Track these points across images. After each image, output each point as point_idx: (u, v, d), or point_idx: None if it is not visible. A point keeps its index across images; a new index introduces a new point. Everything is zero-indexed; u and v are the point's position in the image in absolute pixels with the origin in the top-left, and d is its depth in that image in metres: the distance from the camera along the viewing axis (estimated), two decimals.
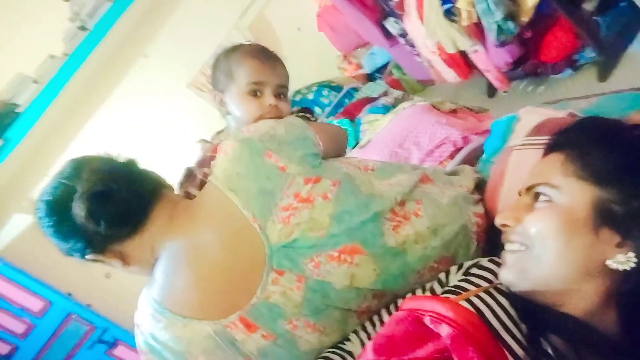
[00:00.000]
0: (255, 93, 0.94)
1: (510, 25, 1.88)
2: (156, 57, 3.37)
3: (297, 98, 3.55)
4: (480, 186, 1.07)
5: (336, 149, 0.93)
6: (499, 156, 1.02)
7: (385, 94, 2.71)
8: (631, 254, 0.55)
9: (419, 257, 0.79)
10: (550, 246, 0.57)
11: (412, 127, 1.63)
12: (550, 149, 0.66)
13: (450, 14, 2.07)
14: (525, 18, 1.88)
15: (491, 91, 2.51)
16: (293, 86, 3.30)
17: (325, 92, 3.52)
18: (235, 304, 0.72)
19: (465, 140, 1.52)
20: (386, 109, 2.26)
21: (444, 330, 0.56)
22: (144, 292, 0.78)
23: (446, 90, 2.91)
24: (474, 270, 0.71)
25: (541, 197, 0.60)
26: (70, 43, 2.93)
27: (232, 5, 3.51)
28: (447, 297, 0.63)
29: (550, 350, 0.57)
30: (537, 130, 0.92)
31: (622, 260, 0.55)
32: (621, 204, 0.56)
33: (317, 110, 3.46)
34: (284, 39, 3.64)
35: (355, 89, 3.37)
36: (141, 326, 0.77)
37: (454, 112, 1.72)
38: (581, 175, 0.59)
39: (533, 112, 1.01)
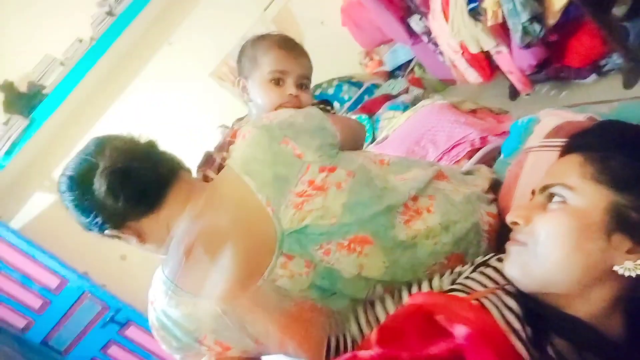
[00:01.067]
0: (277, 82, 0.96)
1: (536, 27, 1.85)
2: (180, 45, 3.41)
3: (317, 92, 3.56)
4: (495, 187, 1.07)
5: (353, 142, 0.94)
6: (515, 157, 1.02)
7: (405, 91, 2.70)
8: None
9: (429, 252, 0.80)
10: (559, 248, 0.57)
11: (430, 125, 1.63)
12: (567, 150, 0.65)
13: (475, 13, 2.05)
14: (552, 20, 1.85)
15: (513, 93, 2.48)
16: (314, 80, 3.32)
17: (345, 87, 3.52)
18: (244, 285, 0.74)
19: (484, 140, 1.52)
20: (405, 107, 2.25)
21: (460, 330, 0.56)
22: (158, 270, 0.80)
23: (468, 91, 2.88)
24: (482, 269, 0.71)
25: (555, 198, 0.60)
26: (98, 28, 2.99)
27: None
28: (462, 297, 0.63)
29: (552, 353, 0.57)
30: (556, 132, 0.91)
31: (630, 267, 0.54)
32: (637, 211, 0.55)
33: (336, 105, 3.46)
34: (307, 33, 3.64)
35: (376, 86, 3.37)
36: (154, 303, 0.79)
37: (473, 112, 1.71)
38: (598, 179, 0.58)
39: (552, 114, 1.00)
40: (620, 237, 0.55)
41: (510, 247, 0.63)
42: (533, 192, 0.66)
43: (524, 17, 1.82)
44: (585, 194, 0.58)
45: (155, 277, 0.81)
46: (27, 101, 2.90)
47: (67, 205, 0.80)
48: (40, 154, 3.07)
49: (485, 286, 0.67)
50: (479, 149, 1.50)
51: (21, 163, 2.95)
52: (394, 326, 0.62)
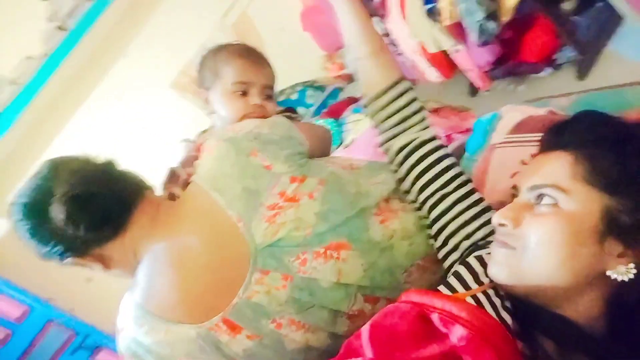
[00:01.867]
0: (241, 92, 0.94)
1: (491, 25, 1.89)
2: (137, 57, 3.31)
3: (281, 98, 3.53)
4: None
5: (321, 149, 0.93)
6: (481, 154, 1.03)
7: None
8: (631, 265, 0.54)
9: (405, 253, 0.79)
10: (552, 255, 0.55)
11: None
12: (552, 145, 0.62)
13: (432, 13, 2.08)
14: (505, 17, 1.89)
15: (473, 90, 2.53)
16: (277, 87, 3.29)
17: (309, 92, 3.51)
18: (217, 305, 0.71)
19: (448, 138, 1.53)
20: None
21: (457, 331, 0.54)
22: (127, 296, 0.76)
23: (430, 90, 2.92)
24: (458, 268, 0.70)
25: (545, 199, 0.57)
26: (49, 43, 2.87)
27: (215, 4, 3.48)
28: (456, 296, 0.61)
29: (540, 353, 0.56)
30: (519, 128, 0.93)
31: (622, 271, 0.54)
32: (630, 214, 0.54)
33: (301, 110, 3.45)
34: (268, 39, 3.62)
35: (340, 89, 3.37)
36: (123, 331, 0.75)
37: (436, 111, 1.73)
38: (590, 181, 0.56)
39: (514, 110, 1.02)
40: (612, 242, 0.54)
41: (496, 249, 0.61)
42: (514, 188, 0.64)
43: (479, 15, 1.86)
44: (577, 197, 0.56)
45: (124, 303, 0.77)
46: None
47: (22, 234, 0.75)
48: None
49: (465, 284, 0.65)
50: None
51: None
52: (386, 324, 0.60)
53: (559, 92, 2.01)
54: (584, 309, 0.57)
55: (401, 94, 0.81)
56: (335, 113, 2.54)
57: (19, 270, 2.74)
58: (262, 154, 0.78)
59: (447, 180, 0.80)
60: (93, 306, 2.90)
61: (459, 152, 1.37)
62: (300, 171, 0.78)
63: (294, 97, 3.53)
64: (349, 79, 3.69)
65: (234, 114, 0.94)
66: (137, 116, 3.33)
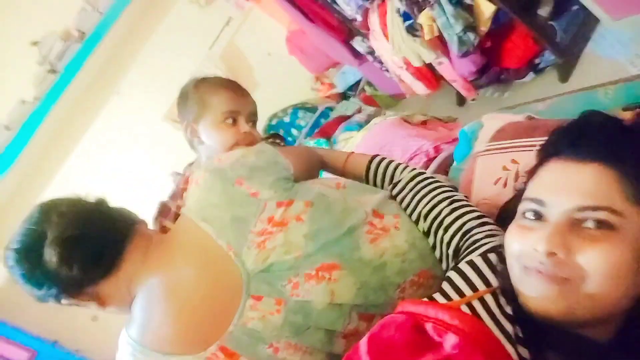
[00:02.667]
0: (231, 122, 0.97)
1: (471, 36, 1.94)
2: (129, 94, 3.36)
3: (274, 122, 3.58)
4: None
5: (308, 171, 0.94)
6: (466, 163, 1.05)
7: (359, 111, 2.75)
8: None
9: (398, 270, 0.79)
10: (618, 284, 0.51)
11: (385, 142, 1.66)
12: (580, 155, 0.56)
13: (412, 29, 2.13)
14: (484, 28, 1.94)
15: (460, 100, 2.56)
16: (268, 110, 3.31)
17: (301, 113, 3.55)
18: (213, 334, 0.72)
19: (437, 149, 1.55)
20: (360, 126, 2.28)
21: (450, 340, 0.54)
22: (123, 332, 0.77)
23: (418, 103, 2.97)
24: (451, 274, 0.70)
25: (593, 222, 0.51)
26: (40, 87, 2.92)
27: (201, 36, 3.55)
28: (452, 303, 0.61)
29: None
30: (498, 135, 0.94)
31: None
32: None
33: (294, 132, 3.48)
34: (256, 65, 3.69)
35: (330, 109, 3.40)
36: None
37: (424, 123, 1.75)
38: (639, 200, 0.52)
39: (494, 118, 1.04)
40: None
41: (544, 284, 0.53)
42: (536, 201, 0.57)
43: (458, 28, 1.90)
44: (631, 219, 0.51)
45: (121, 339, 0.78)
46: None
47: (17, 280, 0.76)
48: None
49: (459, 291, 0.64)
50: (434, 158, 1.54)
51: None
52: (383, 336, 0.59)
53: (544, 96, 2.04)
54: (610, 328, 0.55)
55: (379, 163, 0.98)
56: (327, 132, 2.56)
57: (24, 314, 2.74)
58: (248, 182, 0.79)
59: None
60: (99, 345, 2.88)
61: (448, 162, 1.39)
62: (286, 195, 0.79)
63: (287, 119, 3.57)
64: (339, 97, 3.75)
65: (225, 143, 0.96)
66: (133, 150, 3.37)
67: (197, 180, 0.82)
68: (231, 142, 0.96)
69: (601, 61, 1.87)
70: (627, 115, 0.65)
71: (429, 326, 0.58)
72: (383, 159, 0.98)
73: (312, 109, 3.56)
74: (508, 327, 0.59)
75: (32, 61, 2.96)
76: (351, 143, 2.11)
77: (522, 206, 0.60)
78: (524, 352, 0.57)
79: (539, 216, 0.57)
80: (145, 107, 3.42)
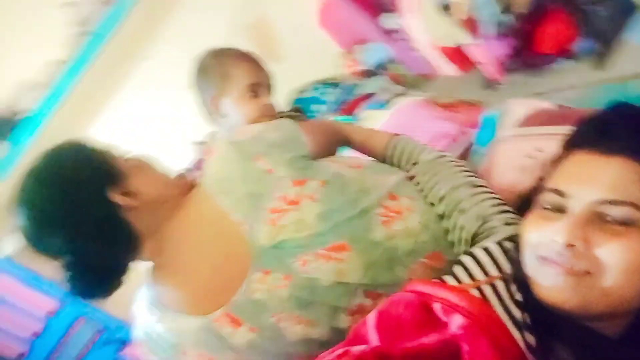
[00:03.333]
0: (254, 94, 0.98)
1: (506, 17, 1.88)
2: (159, 59, 3.39)
3: (298, 96, 3.57)
4: None
5: (328, 147, 0.96)
6: (489, 148, 1.04)
7: (384, 89, 2.72)
8: None
9: (408, 252, 0.80)
10: (632, 281, 0.51)
11: (409, 123, 1.65)
12: (608, 149, 0.55)
13: (445, 7, 2.08)
14: (520, 10, 1.88)
15: (489, 83, 2.51)
16: (294, 84, 3.31)
17: (325, 89, 3.52)
18: (219, 300, 0.75)
19: (462, 133, 1.54)
20: (384, 105, 2.27)
21: (456, 320, 0.56)
22: (142, 288, 0.81)
23: (446, 84, 2.91)
24: (464, 258, 0.71)
25: (617, 216, 0.52)
26: (72, 48, 2.96)
27: (231, 5, 3.52)
28: (460, 287, 0.63)
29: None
30: (528, 121, 0.93)
31: None
32: None
33: (317, 107, 3.47)
34: (285, 36, 3.65)
35: (356, 85, 3.37)
36: (138, 318, 0.80)
37: (450, 105, 1.73)
38: None
39: (521, 104, 1.02)
40: None
41: (559, 276, 0.54)
42: (557, 192, 0.57)
43: (494, 8, 1.85)
44: None
45: (139, 293, 0.82)
46: (8, 125, 2.88)
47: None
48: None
49: (487, 273, 0.65)
50: (458, 141, 1.53)
51: (10, 188, 2.92)
52: (392, 312, 0.62)
53: (575, 83, 1.99)
54: (620, 324, 0.56)
55: (399, 141, 0.98)
56: (350, 110, 2.56)
57: (50, 265, 2.85)
58: (265, 158, 0.80)
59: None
60: (122, 302, 2.99)
61: (471, 146, 1.38)
62: (302, 174, 0.80)
63: (311, 94, 3.56)
64: (366, 75, 3.71)
65: (249, 116, 0.98)
66: (163, 116, 3.41)
67: (216, 151, 0.84)
68: (254, 114, 0.98)
69: (637, 49, 1.80)
70: None
71: (436, 306, 0.60)
72: (405, 138, 0.98)
73: (337, 85, 3.53)
74: (517, 313, 0.60)
75: (64, 22, 3.00)
76: (375, 122, 2.10)
77: (543, 197, 0.60)
78: (531, 339, 0.58)
79: (559, 208, 0.57)
80: (175, 73, 3.44)
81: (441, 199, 0.85)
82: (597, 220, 0.53)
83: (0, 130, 2.81)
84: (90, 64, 3.00)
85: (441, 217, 0.84)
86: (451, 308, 0.58)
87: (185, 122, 3.45)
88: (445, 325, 0.58)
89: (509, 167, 0.89)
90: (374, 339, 0.61)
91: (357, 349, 0.59)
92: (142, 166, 0.82)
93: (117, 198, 0.74)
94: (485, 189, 0.85)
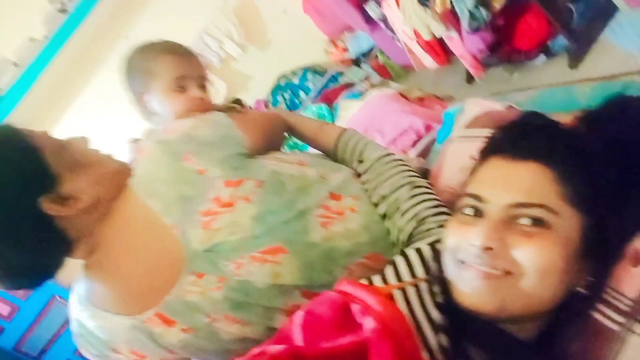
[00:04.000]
0: (180, 88, 0.93)
1: (483, 12, 1.87)
2: (139, 39, 3.32)
3: (282, 83, 3.54)
4: (425, 175, 1.08)
5: (268, 142, 0.91)
6: (442, 146, 1.03)
7: (366, 79, 2.70)
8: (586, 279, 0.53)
9: (346, 253, 0.79)
10: (552, 281, 0.52)
11: (378, 116, 1.64)
12: (520, 154, 0.56)
13: (425, 0, 2.05)
14: (497, 5, 1.86)
15: (470, 77, 2.50)
16: (278, 70, 3.26)
17: (310, 76, 3.50)
18: (150, 302, 0.73)
19: (428, 128, 1.53)
20: (361, 95, 2.25)
21: (369, 323, 0.56)
22: (75, 283, 0.79)
23: (428, 76, 2.90)
24: (396, 258, 0.71)
25: (527, 219, 0.52)
26: (50, 26, 2.91)
27: None
28: (381, 289, 0.63)
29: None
30: (473, 123, 0.92)
31: (582, 285, 0.53)
32: (596, 228, 0.53)
33: (302, 94, 3.45)
34: (270, 22, 3.61)
35: (340, 74, 3.35)
36: (72, 312, 0.79)
37: (421, 99, 1.72)
38: (574, 201, 0.53)
39: (476, 103, 1.01)
40: (584, 260, 0.53)
41: (477, 280, 0.53)
42: (475, 197, 0.57)
43: (470, 2, 1.83)
44: (567, 218, 0.52)
45: (73, 286, 0.80)
46: None
47: None
48: None
49: (414, 275, 0.66)
50: (423, 137, 1.52)
51: None
52: (316, 311, 0.62)
53: (551, 80, 1.98)
54: (534, 326, 0.56)
55: (349, 137, 0.94)
56: (329, 98, 2.54)
57: None
58: (196, 158, 0.75)
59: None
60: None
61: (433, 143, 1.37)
62: (236, 174, 0.76)
63: (295, 81, 3.53)
64: (351, 63, 3.68)
65: (177, 111, 0.92)
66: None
67: (144, 151, 0.79)
68: (183, 109, 0.92)
69: (615, 50, 1.79)
70: (566, 119, 0.63)
71: (355, 307, 0.60)
72: (354, 134, 0.95)
73: (321, 73, 3.50)
74: (435, 315, 0.60)
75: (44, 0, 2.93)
76: (349, 112, 2.09)
77: (462, 201, 0.60)
78: (444, 341, 0.58)
79: (477, 212, 0.57)
80: None
81: (383, 199, 0.83)
82: (512, 223, 0.53)
83: None
84: (67, 44, 2.94)
85: (383, 217, 0.83)
86: (366, 310, 0.58)
87: None
88: (360, 327, 0.58)
89: (455, 168, 0.88)
90: (298, 338, 0.61)
91: (273, 348, 0.59)
92: (78, 162, 0.75)
93: (49, 208, 0.67)
94: (425, 190, 0.82)
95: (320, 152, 1.00)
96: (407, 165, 0.88)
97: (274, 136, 0.95)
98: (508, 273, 0.52)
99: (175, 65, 0.92)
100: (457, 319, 0.57)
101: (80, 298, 0.76)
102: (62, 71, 3.05)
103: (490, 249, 0.52)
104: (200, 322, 0.74)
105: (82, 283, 0.76)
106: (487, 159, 0.60)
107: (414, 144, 1.53)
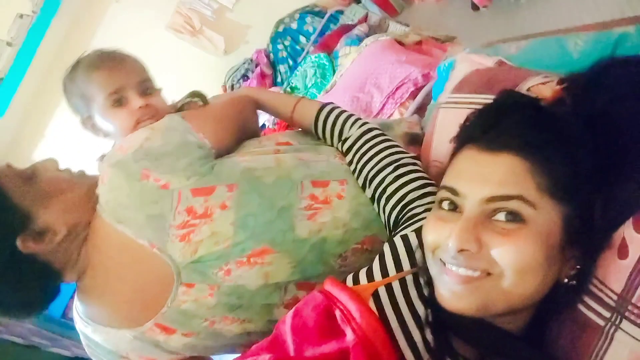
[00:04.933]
0: (119, 102, 0.84)
1: None
2: (128, 1, 3.21)
3: (281, 29, 3.39)
4: (415, 140, 1.03)
5: (236, 133, 0.86)
6: (432, 113, 0.98)
7: (365, 19, 2.56)
8: (573, 269, 0.51)
9: (338, 242, 0.77)
10: (532, 279, 0.50)
11: (373, 68, 1.56)
12: (494, 145, 0.54)
13: None
14: None
15: (475, 6, 2.33)
16: (275, 16, 3.11)
17: (308, 19, 3.33)
18: (147, 315, 0.74)
19: (426, 77, 1.45)
20: (360, 40, 2.14)
21: (349, 334, 0.56)
22: (75, 298, 0.80)
23: (429, 9, 2.73)
24: (384, 249, 0.70)
25: (506, 214, 0.50)
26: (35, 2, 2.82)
27: None
28: (359, 294, 0.62)
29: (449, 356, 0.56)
30: (460, 86, 0.86)
31: (570, 275, 0.52)
32: (580, 218, 0.50)
33: (302, 39, 3.31)
34: None
35: (340, 12, 3.18)
36: (77, 325, 0.81)
37: (419, 44, 1.62)
38: (553, 192, 0.50)
39: (465, 59, 0.94)
40: (569, 250, 0.51)
41: (456, 285, 0.52)
42: (451, 190, 0.55)
43: None
44: (544, 211, 0.50)
45: (74, 302, 0.81)
46: None
47: None
48: (13, 141, 3.05)
49: (400, 267, 0.65)
50: (422, 87, 1.45)
51: None
52: (303, 314, 0.62)
53: (562, 8, 1.83)
54: (522, 319, 0.56)
55: (328, 114, 0.90)
56: (328, 45, 2.42)
57: None
58: (155, 173, 0.71)
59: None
60: None
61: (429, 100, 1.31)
62: (204, 181, 0.72)
63: (294, 25, 3.37)
64: (350, 1, 3.47)
65: (125, 127, 0.83)
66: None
67: (102, 178, 0.74)
68: (130, 123, 0.84)
69: None
70: (548, 93, 0.57)
71: (337, 313, 0.59)
72: (332, 109, 0.89)
73: (320, 13, 3.32)
74: (421, 309, 0.60)
75: None
76: (349, 59, 2.00)
77: (439, 194, 0.58)
78: (431, 337, 0.58)
79: (454, 206, 0.55)
80: (147, 16, 3.28)
81: (369, 182, 0.80)
82: (488, 219, 0.51)
83: None
84: (57, 14, 2.86)
85: (371, 200, 0.80)
86: (347, 318, 0.58)
87: (165, 64, 3.37)
88: (343, 334, 0.59)
89: (443, 139, 0.83)
90: (289, 341, 0.62)
91: (261, 359, 0.61)
92: (47, 193, 0.72)
93: (27, 247, 0.67)
94: (410, 168, 0.79)
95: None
96: (391, 141, 0.84)
97: (241, 126, 0.89)
98: (488, 274, 0.51)
99: (105, 81, 0.83)
100: (443, 312, 0.56)
101: (80, 314, 0.78)
102: (57, 44, 2.98)
103: (466, 250, 0.51)
104: (199, 326, 0.76)
105: (78, 302, 0.78)
106: (462, 148, 0.57)
107: (413, 94, 1.46)
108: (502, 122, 0.54)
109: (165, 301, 0.73)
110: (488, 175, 0.52)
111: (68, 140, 2.53)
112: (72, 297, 0.81)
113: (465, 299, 0.52)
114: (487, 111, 0.58)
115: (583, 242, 0.51)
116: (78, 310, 0.78)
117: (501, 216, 0.50)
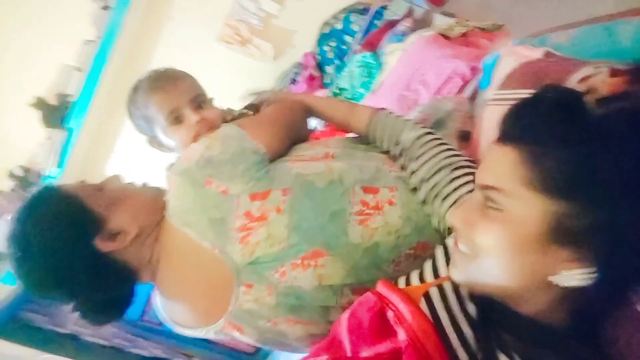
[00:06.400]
0: (178, 120, 0.94)
1: None
2: (182, 18, 3.38)
3: (327, 30, 3.42)
4: (468, 137, 1.02)
5: (290, 137, 0.91)
6: (480, 108, 0.97)
7: (409, 14, 2.53)
8: (583, 270, 0.51)
9: (391, 248, 0.79)
10: (500, 263, 0.54)
11: (418, 65, 1.55)
12: (505, 137, 0.56)
13: None
14: None
15: None
16: (320, 17, 3.15)
17: (353, 17, 3.34)
18: (218, 314, 0.81)
19: (474, 70, 1.42)
20: (404, 36, 2.12)
21: (401, 334, 0.58)
22: (155, 297, 0.89)
23: None
24: (437, 250, 0.71)
25: (492, 202, 0.54)
26: (99, 24, 3.03)
27: None
28: (409, 295, 0.64)
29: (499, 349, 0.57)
30: (507, 82, 0.85)
31: (564, 278, 0.52)
32: (577, 218, 0.50)
33: (348, 39, 3.32)
34: None
35: (384, 7, 3.16)
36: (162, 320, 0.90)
37: (464, 36, 1.59)
38: (534, 185, 0.51)
39: (511, 53, 0.92)
40: (556, 247, 0.51)
41: (455, 254, 0.60)
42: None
43: None
44: (521, 203, 0.52)
45: (154, 300, 0.90)
46: (60, 112, 3.09)
47: None
48: (87, 157, 3.30)
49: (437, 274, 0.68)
50: (470, 80, 1.42)
51: (73, 170, 3.20)
52: (357, 315, 0.65)
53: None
54: (542, 309, 0.56)
55: (381, 118, 0.92)
56: (372, 44, 2.42)
57: None
58: (217, 180, 0.77)
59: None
60: None
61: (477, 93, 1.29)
62: (260, 186, 0.78)
63: (339, 26, 3.38)
64: None
65: (184, 142, 0.94)
66: (195, 74, 3.46)
67: (170, 185, 0.82)
68: (189, 137, 0.93)
69: None
70: (612, 85, 0.55)
71: (390, 314, 0.62)
72: (387, 115, 0.92)
73: (364, 10, 3.32)
74: (471, 308, 0.62)
75: (86, 1, 3.04)
76: (394, 58, 1.99)
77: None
78: (481, 333, 0.60)
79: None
80: (199, 31, 3.44)
81: (422, 184, 0.81)
82: (483, 205, 0.56)
83: (53, 118, 3.02)
84: (119, 37, 3.06)
85: (423, 202, 0.80)
86: (399, 320, 0.60)
87: (224, 73, 3.51)
88: (396, 333, 0.61)
89: (491, 137, 0.82)
90: (345, 342, 0.65)
91: None
92: (116, 199, 0.82)
93: (104, 246, 0.76)
94: (466, 171, 0.78)
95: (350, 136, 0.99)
96: (446, 144, 0.84)
97: (294, 130, 0.94)
98: (472, 252, 0.56)
99: (162, 103, 0.93)
100: (482, 308, 0.60)
101: (162, 315, 0.87)
102: (120, 66, 3.19)
103: (456, 228, 0.58)
104: (264, 326, 0.81)
105: (158, 299, 0.87)
106: (493, 142, 0.60)
107: (461, 89, 1.44)
108: (512, 117, 0.56)
109: (230, 300, 0.79)
110: (488, 165, 0.57)
111: (135, 153, 2.71)
112: (147, 303, 0.92)
113: (456, 270, 0.59)
114: (513, 107, 0.58)
115: (580, 242, 0.50)
116: (160, 308, 0.87)
117: (489, 203, 0.54)
